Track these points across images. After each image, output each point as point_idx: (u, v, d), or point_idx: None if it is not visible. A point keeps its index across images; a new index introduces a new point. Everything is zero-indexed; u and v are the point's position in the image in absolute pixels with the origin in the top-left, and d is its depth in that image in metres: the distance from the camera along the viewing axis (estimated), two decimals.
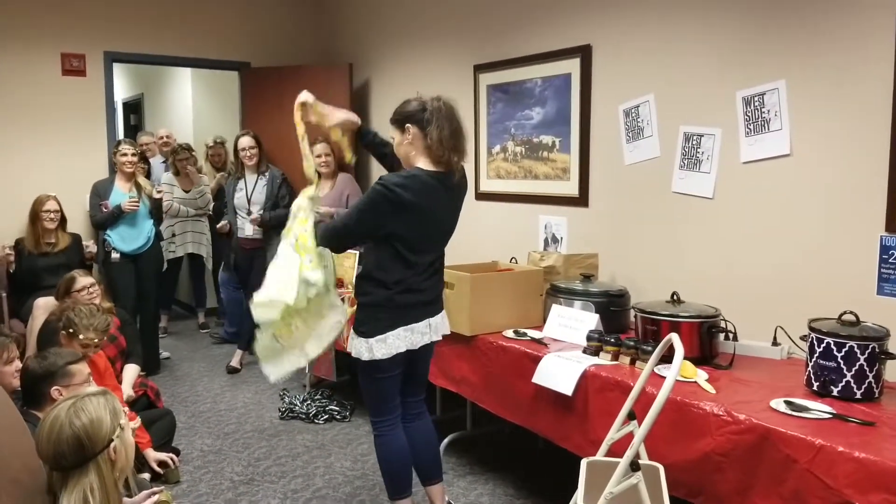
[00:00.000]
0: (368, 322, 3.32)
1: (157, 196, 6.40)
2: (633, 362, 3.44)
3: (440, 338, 3.53)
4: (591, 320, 3.91)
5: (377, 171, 6.86)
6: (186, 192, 7.43)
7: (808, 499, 2.50)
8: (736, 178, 3.92)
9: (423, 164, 3.31)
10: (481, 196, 5.72)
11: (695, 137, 4.10)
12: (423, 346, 3.43)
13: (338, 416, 5.29)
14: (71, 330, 4.01)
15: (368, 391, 3.51)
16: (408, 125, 3.31)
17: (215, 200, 7.60)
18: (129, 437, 2.39)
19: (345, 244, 3.43)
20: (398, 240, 3.24)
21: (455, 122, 3.33)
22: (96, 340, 4.10)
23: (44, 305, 5.07)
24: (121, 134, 9.88)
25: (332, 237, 3.34)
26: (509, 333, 4.04)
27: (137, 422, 4.12)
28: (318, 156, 6.24)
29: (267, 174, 6.47)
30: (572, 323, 3.97)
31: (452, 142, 3.30)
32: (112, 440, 2.28)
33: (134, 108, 10.92)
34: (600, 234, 4.74)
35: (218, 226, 6.81)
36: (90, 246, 6.38)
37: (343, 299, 3.90)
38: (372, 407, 3.53)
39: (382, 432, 3.52)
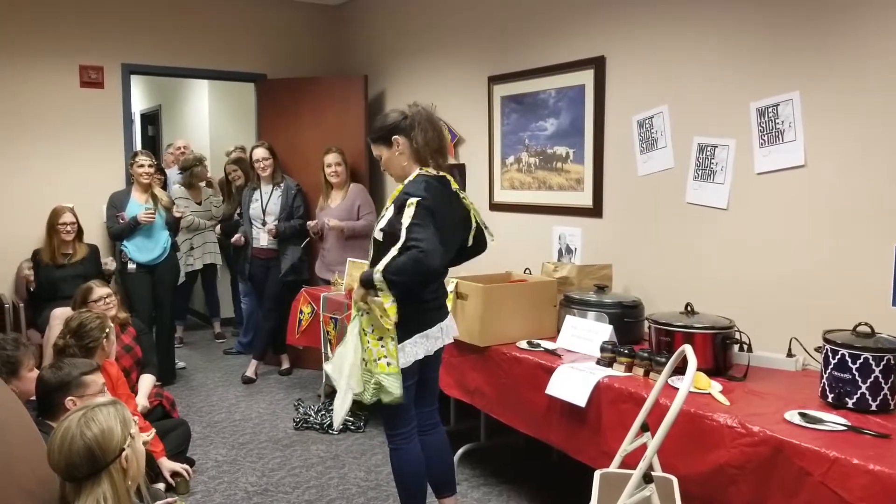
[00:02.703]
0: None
1: (177, 215, 6.46)
2: (646, 374, 3.43)
3: (451, 340, 3.55)
4: (605, 331, 3.89)
5: (391, 183, 6.88)
6: (199, 203, 7.47)
7: None
8: (750, 188, 3.91)
9: (420, 169, 3.38)
10: (495, 207, 5.72)
11: (709, 148, 4.09)
12: (436, 350, 3.45)
13: (352, 427, 5.29)
14: (107, 331, 4.15)
15: (385, 404, 3.48)
16: (395, 137, 3.38)
17: (225, 220, 7.61)
18: (140, 445, 2.40)
19: (437, 259, 3.16)
20: None
21: (435, 124, 3.40)
22: (112, 323, 4.34)
23: (60, 316, 5.10)
24: (138, 145, 9.95)
25: (420, 261, 3.10)
26: (523, 344, 4.03)
27: (152, 433, 4.14)
28: (329, 165, 6.28)
29: (282, 185, 6.52)
30: (586, 334, 3.96)
31: (437, 142, 3.37)
32: (123, 449, 2.29)
33: (151, 120, 11.00)
34: (614, 244, 4.73)
35: (232, 239, 6.82)
36: (108, 263, 6.42)
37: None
38: (388, 420, 3.52)
39: (399, 445, 3.51)
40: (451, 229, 3.42)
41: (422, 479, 3.58)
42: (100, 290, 4.88)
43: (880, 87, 3.33)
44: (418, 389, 3.52)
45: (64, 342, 4.04)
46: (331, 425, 5.27)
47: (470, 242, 3.58)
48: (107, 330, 4.14)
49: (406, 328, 3.33)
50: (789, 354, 3.56)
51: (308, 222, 6.45)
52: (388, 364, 3.27)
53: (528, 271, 4.72)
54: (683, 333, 3.44)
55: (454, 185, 3.45)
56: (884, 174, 3.34)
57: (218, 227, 7.57)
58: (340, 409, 3.42)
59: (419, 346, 3.36)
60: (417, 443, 3.55)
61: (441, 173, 3.41)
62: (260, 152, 6.49)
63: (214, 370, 6.97)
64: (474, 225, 3.57)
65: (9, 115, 6.42)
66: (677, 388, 2.72)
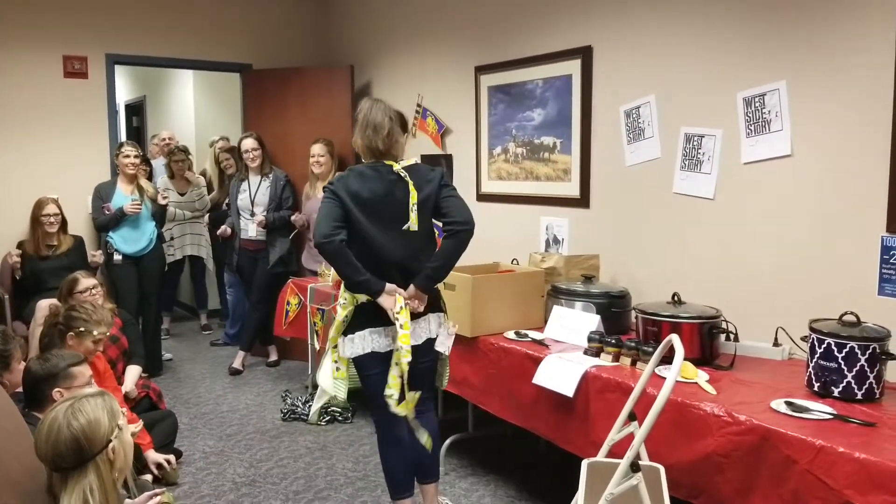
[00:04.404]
0: (347, 320, 3.51)
1: (161, 202, 6.44)
2: (634, 363, 3.44)
3: (419, 342, 3.53)
4: (593, 321, 3.90)
5: None
6: (182, 194, 7.42)
7: (808, 499, 2.49)
8: (737, 178, 3.92)
9: (365, 159, 3.58)
10: (482, 197, 5.72)
11: (696, 138, 4.09)
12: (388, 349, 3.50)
13: (339, 418, 5.29)
14: (82, 329, 4.03)
15: (363, 387, 3.63)
16: (354, 138, 3.63)
17: (212, 210, 7.60)
18: (128, 437, 2.40)
19: (323, 231, 3.32)
20: (357, 233, 3.39)
21: (370, 121, 3.52)
22: (107, 332, 4.20)
23: (46, 307, 5.07)
24: (123, 136, 9.89)
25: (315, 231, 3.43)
26: (510, 335, 4.04)
27: (139, 425, 4.13)
28: (313, 155, 6.28)
29: (270, 176, 6.50)
30: (573, 324, 3.97)
31: (368, 132, 3.51)
32: (110, 441, 2.29)
33: (136, 111, 10.94)
34: (601, 235, 4.73)
35: (218, 231, 6.78)
36: (97, 257, 6.38)
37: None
38: (368, 403, 3.59)
39: (379, 432, 3.61)
40: (389, 211, 3.45)
41: (403, 467, 3.62)
42: (85, 282, 4.85)
43: (867, 77, 3.34)
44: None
45: (56, 309, 4.19)
46: (319, 416, 5.27)
47: (413, 227, 3.47)
48: (95, 333, 4.08)
49: (360, 320, 3.48)
50: (776, 344, 3.57)
51: (293, 216, 6.44)
52: (338, 369, 3.61)
53: (515, 262, 4.73)
54: (670, 323, 3.45)
55: (396, 168, 3.47)
56: (870, 163, 3.35)
57: (206, 216, 7.56)
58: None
59: (367, 341, 3.47)
60: (401, 429, 3.58)
61: (383, 161, 3.51)
62: (249, 143, 6.47)
63: (201, 361, 6.96)
64: (412, 207, 3.48)
65: None
66: (664, 378, 2.73)
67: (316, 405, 5.21)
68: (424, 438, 3.53)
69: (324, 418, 5.27)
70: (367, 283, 3.36)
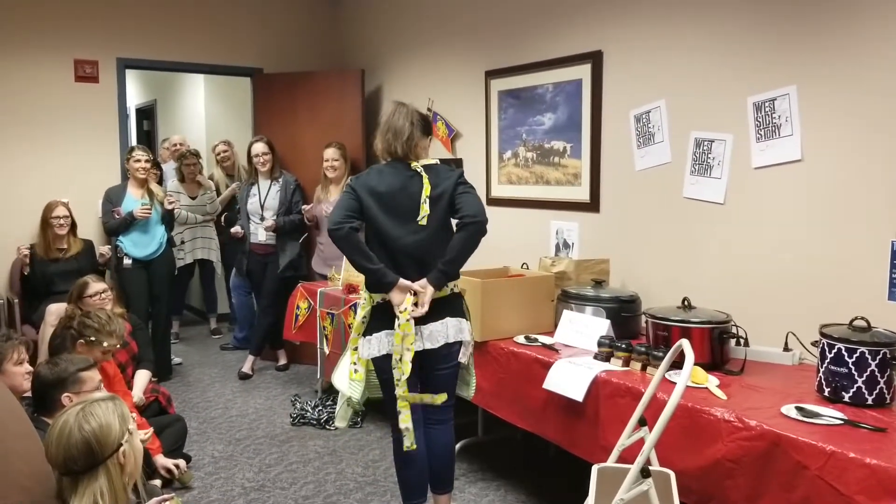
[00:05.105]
0: (366, 321, 3.53)
1: (168, 207, 6.44)
2: (644, 368, 3.43)
3: (436, 346, 3.48)
4: (603, 326, 3.89)
5: None
6: (193, 198, 7.44)
7: None
8: (747, 183, 3.91)
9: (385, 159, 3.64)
10: (492, 201, 5.72)
11: (706, 143, 4.09)
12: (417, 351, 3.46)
13: (349, 422, 5.28)
14: (92, 339, 4.02)
15: (381, 390, 3.63)
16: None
17: (227, 209, 7.63)
18: (138, 441, 2.40)
19: (334, 219, 3.41)
20: (374, 227, 3.47)
21: (391, 124, 3.57)
22: (118, 345, 4.17)
23: (56, 311, 5.09)
24: (134, 140, 9.93)
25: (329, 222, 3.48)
26: (520, 339, 4.03)
27: (150, 432, 4.13)
28: (327, 160, 6.29)
29: (280, 180, 6.52)
30: (583, 329, 3.96)
31: (388, 136, 3.57)
32: (121, 445, 2.29)
33: (147, 115, 10.97)
34: (611, 239, 4.72)
35: (232, 230, 6.78)
36: (105, 252, 6.40)
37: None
38: (385, 407, 3.58)
39: (395, 436, 3.58)
40: (403, 204, 3.47)
41: (415, 472, 3.60)
42: (96, 286, 4.86)
43: (877, 81, 3.33)
44: (423, 382, 3.53)
45: (73, 312, 4.23)
46: (328, 421, 5.28)
47: (423, 220, 3.47)
48: (105, 344, 4.07)
49: (377, 321, 3.49)
50: (786, 349, 3.56)
51: (303, 206, 6.45)
52: (356, 371, 3.60)
53: (525, 266, 4.73)
54: (680, 328, 3.44)
55: (414, 165, 3.52)
56: (881, 168, 3.33)
57: (223, 217, 7.58)
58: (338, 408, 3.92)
59: (382, 344, 3.47)
60: (417, 436, 3.55)
61: (405, 161, 3.55)
62: (259, 147, 6.49)
63: (211, 366, 6.97)
64: (423, 199, 3.48)
65: (2, 111, 6.40)
66: (675, 383, 2.72)
67: (339, 409, 5.16)
68: (407, 443, 3.47)
69: (353, 419, 5.24)
70: (379, 272, 3.38)
